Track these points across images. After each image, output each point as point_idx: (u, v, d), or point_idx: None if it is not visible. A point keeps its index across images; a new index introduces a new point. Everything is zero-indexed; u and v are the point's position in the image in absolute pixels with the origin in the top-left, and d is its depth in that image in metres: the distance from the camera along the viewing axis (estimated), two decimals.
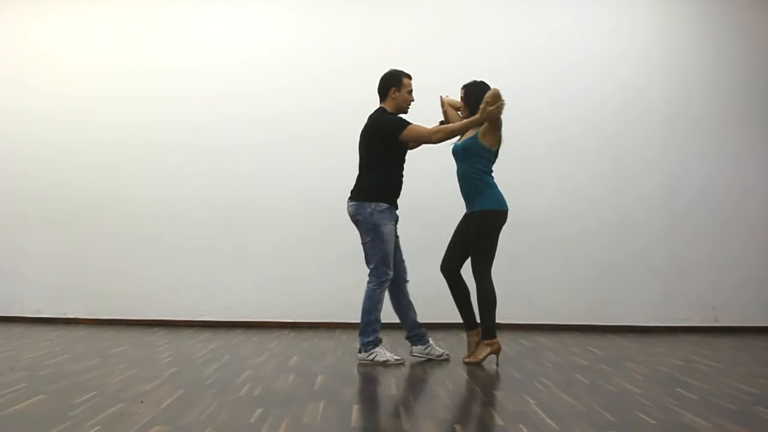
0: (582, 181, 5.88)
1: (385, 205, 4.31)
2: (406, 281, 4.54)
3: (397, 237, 4.45)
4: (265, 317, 5.82)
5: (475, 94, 4.36)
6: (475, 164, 4.31)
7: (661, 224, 5.89)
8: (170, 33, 6.05)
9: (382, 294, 4.32)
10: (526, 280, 5.81)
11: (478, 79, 4.45)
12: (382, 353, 4.31)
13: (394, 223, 4.38)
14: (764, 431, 2.98)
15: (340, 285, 5.71)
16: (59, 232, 5.98)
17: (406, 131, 4.27)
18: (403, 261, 4.53)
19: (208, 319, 5.83)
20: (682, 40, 5.97)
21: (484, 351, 4.27)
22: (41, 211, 5.99)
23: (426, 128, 4.29)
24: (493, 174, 4.37)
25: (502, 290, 5.74)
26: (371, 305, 4.29)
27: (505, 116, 5.88)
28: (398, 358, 4.34)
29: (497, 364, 4.25)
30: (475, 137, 4.31)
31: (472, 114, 4.30)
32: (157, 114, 5.95)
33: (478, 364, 4.25)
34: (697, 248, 5.87)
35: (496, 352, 4.27)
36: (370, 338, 4.32)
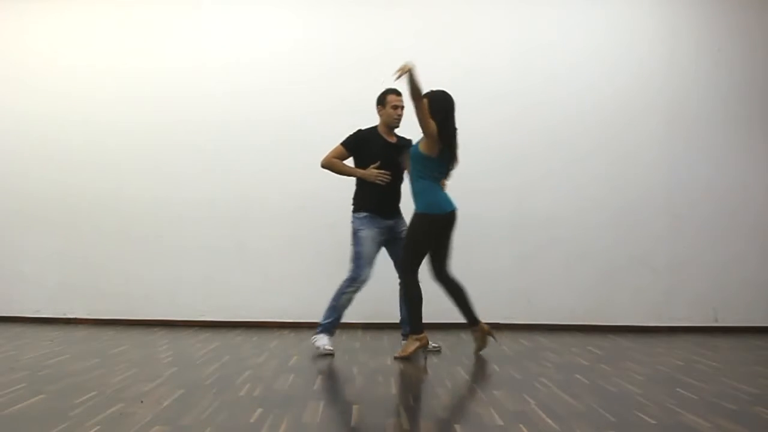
0: (582, 181, 5.88)
1: (365, 214, 4.68)
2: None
3: (400, 240, 4.72)
4: (265, 317, 5.82)
5: (438, 101, 4.44)
6: (415, 169, 4.53)
7: (661, 224, 5.89)
8: (170, 33, 6.04)
9: (349, 289, 4.63)
10: (527, 280, 5.81)
11: (440, 88, 4.53)
12: (321, 339, 4.63)
13: (376, 229, 4.67)
14: (764, 431, 2.98)
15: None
16: (59, 232, 5.98)
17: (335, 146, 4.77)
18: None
19: (208, 319, 5.83)
20: (682, 40, 5.97)
21: (412, 345, 4.49)
22: (41, 211, 5.99)
23: (332, 154, 4.73)
24: (433, 179, 4.54)
25: (503, 290, 5.79)
26: (335, 294, 4.67)
27: (506, 116, 5.93)
28: (329, 349, 4.59)
29: (425, 358, 4.53)
30: (416, 145, 4.55)
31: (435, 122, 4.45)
32: (158, 114, 5.95)
33: (407, 358, 4.44)
34: (697, 248, 5.87)
35: (425, 345, 4.52)
36: (323, 321, 4.67)
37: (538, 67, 5.90)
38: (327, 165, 4.74)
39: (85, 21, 6.08)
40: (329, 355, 4.51)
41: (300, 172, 5.85)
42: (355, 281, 4.61)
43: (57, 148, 6.00)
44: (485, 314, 5.73)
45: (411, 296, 4.49)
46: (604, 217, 5.87)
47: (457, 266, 5.69)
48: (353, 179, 4.78)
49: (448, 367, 4.19)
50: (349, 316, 5.51)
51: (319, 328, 4.67)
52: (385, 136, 4.76)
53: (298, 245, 5.86)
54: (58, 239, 5.98)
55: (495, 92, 5.87)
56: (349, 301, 4.65)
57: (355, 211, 4.73)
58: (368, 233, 4.63)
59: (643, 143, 5.91)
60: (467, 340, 5.18)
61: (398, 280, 4.74)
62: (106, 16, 6.06)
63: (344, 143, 4.74)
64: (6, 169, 6.06)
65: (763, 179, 5.93)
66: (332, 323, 4.66)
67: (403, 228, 4.74)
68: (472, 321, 4.66)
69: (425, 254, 4.54)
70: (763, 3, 5.97)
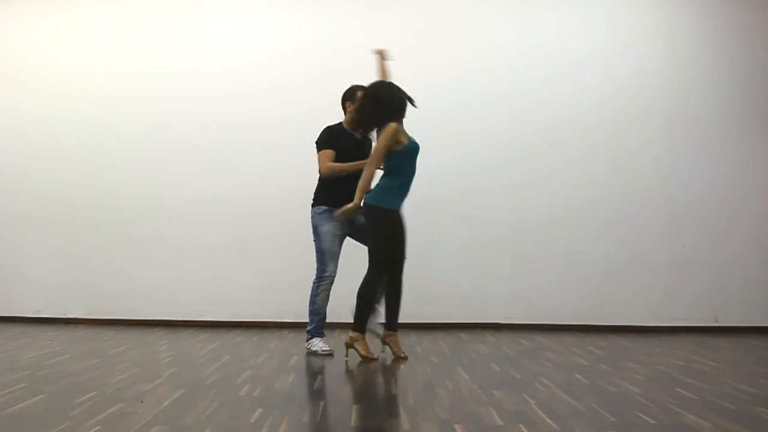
0: (582, 181, 5.87)
1: (324, 208, 4.61)
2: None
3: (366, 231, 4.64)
4: (265, 317, 5.82)
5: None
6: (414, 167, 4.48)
7: (661, 224, 5.88)
8: (170, 33, 6.05)
9: (320, 288, 4.61)
10: (526, 280, 5.81)
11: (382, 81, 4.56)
12: (316, 343, 4.61)
13: (335, 223, 4.60)
14: (764, 431, 2.98)
15: (339, 285, 5.68)
16: (59, 232, 5.98)
17: (318, 153, 4.64)
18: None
19: (208, 319, 5.83)
20: (682, 40, 5.97)
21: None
22: (41, 211, 5.99)
23: (325, 161, 4.60)
24: None
25: (503, 290, 5.79)
26: (310, 298, 4.64)
27: (506, 116, 5.93)
28: (327, 349, 4.55)
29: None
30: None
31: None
32: (158, 114, 5.95)
33: (407, 357, 4.42)
34: (697, 248, 5.86)
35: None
36: (309, 328, 4.65)
37: (538, 67, 5.90)
38: (330, 171, 4.61)
39: (85, 21, 6.09)
40: (329, 355, 4.51)
41: (300, 171, 5.82)
42: (322, 279, 4.60)
43: (57, 148, 6.01)
44: (485, 314, 5.77)
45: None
46: (604, 217, 5.87)
47: (456, 266, 5.72)
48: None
49: (448, 367, 4.19)
50: (348, 317, 5.51)
51: (308, 335, 4.66)
52: (352, 132, 4.69)
53: (298, 245, 5.83)
54: (58, 239, 5.98)
55: (495, 92, 5.87)
56: (326, 299, 4.63)
57: (314, 205, 4.68)
58: (328, 228, 4.59)
59: (643, 143, 5.91)
60: (467, 340, 5.18)
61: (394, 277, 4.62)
62: (106, 16, 6.07)
63: (326, 145, 4.64)
64: (6, 169, 6.07)
65: (763, 179, 5.93)
66: (318, 326, 4.64)
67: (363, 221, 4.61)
68: (391, 327, 4.55)
69: None
70: (763, 3, 5.97)
